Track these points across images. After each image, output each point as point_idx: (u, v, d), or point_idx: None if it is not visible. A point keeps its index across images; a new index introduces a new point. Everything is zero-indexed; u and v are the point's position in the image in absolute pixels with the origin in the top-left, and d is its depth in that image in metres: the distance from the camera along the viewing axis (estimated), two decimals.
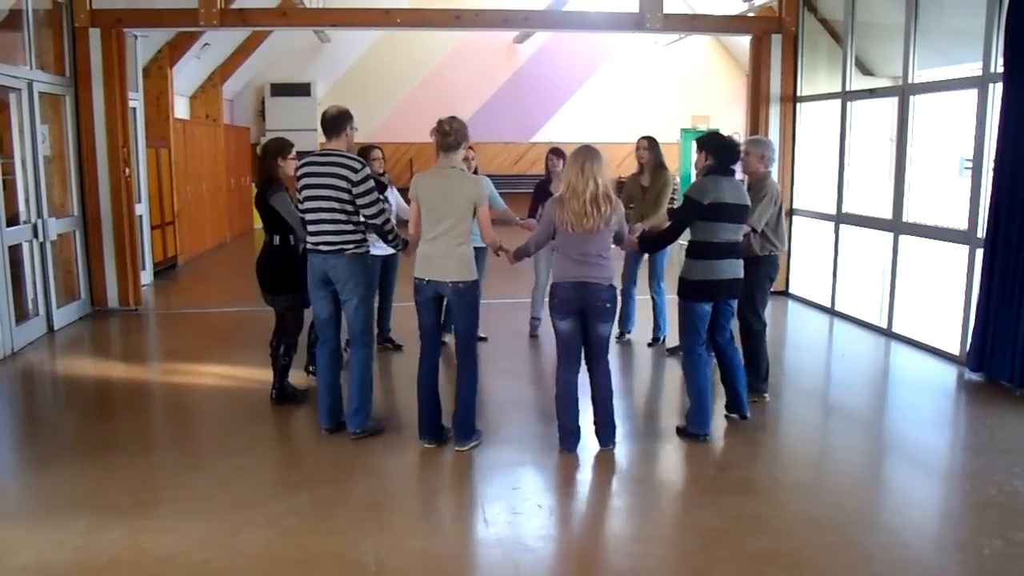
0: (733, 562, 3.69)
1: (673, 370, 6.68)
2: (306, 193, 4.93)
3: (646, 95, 18.29)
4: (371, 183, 4.87)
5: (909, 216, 7.61)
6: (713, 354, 5.28)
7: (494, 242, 4.92)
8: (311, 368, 6.17)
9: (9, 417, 5.80)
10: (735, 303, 5.17)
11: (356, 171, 4.83)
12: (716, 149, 4.96)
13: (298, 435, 5.32)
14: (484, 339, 7.45)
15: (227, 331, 8.31)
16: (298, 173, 5.00)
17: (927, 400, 6.10)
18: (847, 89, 8.60)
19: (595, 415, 4.90)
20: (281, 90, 17.19)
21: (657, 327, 7.34)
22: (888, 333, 7.82)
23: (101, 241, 8.76)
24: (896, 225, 7.70)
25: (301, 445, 5.16)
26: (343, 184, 4.82)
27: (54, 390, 6.49)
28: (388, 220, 4.94)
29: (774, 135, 9.45)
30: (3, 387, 6.38)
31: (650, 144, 6.99)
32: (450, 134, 4.69)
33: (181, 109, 13.62)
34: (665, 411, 5.72)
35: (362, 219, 4.94)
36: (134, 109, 9.87)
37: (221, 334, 8.16)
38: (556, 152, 7.26)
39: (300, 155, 5.28)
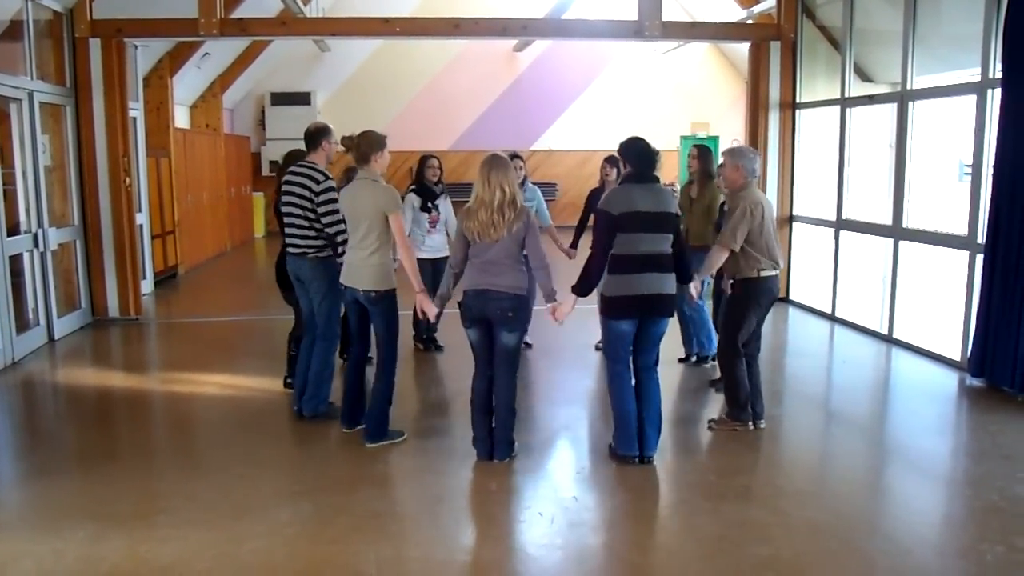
0: (734, 570, 3.68)
1: (692, 384, 6.68)
2: (283, 199, 5.45)
3: (645, 102, 18.34)
4: (332, 195, 5.23)
5: (909, 222, 7.62)
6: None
7: (408, 255, 4.91)
8: (288, 380, 6.19)
9: (9, 427, 5.80)
10: (665, 323, 4.74)
11: (319, 183, 5.28)
12: (632, 156, 4.71)
13: (300, 444, 5.31)
14: (529, 345, 7.47)
15: (228, 340, 8.31)
16: (281, 181, 5.55)
17: (928, 406, 6.09)
18: (846, 95, 8.62)
19: (494, 425, 4.83)
20: (281, 99, 17.24)
21: (695, 343, 6.95)
22: (889, 339, 7.81)
23: (102, 250, 8.77)
24: (896, 231, 7.70)
25: (303, 454, 5.15)
26: (307, 193, 5.29)
27: (55, 400, 6.49)
28: (341, 232, 5.23)
29: (773, 142, 9.47)
30: (3, 397, 6.38)
31: (700, 153, 6.63)
32: (359, 146, 4.95)
33: (181, 118, 13.66)
34: (669, 421, 5.70)
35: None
36: (134, 119, 9.89)
37: (222, 343, 8.16)
38: (610, 161, 7.01)
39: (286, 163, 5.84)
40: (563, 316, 4.65)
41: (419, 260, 6.85)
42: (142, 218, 10.35)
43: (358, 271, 4.95)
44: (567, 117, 18.44)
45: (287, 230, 5.51)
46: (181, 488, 4.55)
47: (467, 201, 4.68)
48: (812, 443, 5.49)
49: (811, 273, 9.48)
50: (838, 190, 8.73)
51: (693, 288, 5.12)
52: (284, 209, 5.49)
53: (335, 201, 5.21)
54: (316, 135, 5.42)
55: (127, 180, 8.80)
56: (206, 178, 13.81)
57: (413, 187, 7.14)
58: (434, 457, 4.97)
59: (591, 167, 18.12)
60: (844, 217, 8.72)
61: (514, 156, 7.14)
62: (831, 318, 8.83)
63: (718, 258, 5.14)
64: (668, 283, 4.66)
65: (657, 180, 4.72)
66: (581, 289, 4.63)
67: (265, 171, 17.34)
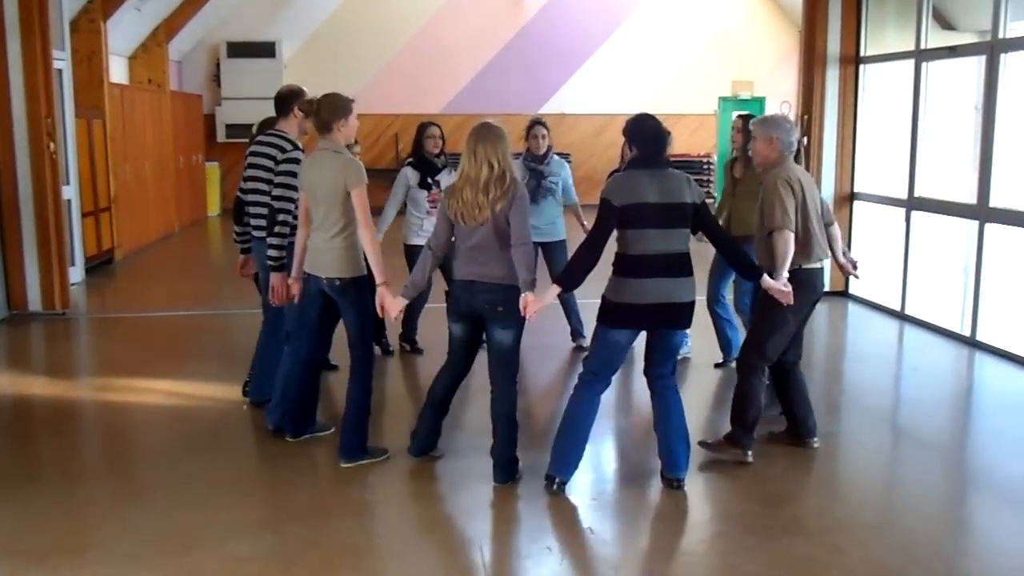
0: None
1: (721, 392, 6.66)
2: (246, 173, 5.64)
3: (678, 57, 18.27)
4: (293, 167, 5.34)
5: (997, 200, 7.59)
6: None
7: (370, 239, 4.94)
8: (247, 388, 6.22)
9: None
10: (681, 335, 4.81)
11: (284, 151, 5.43)
12: (639, 137, 4.69)
13: (262, 463, 5.31)
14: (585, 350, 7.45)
15: (175, 339, 8.30)
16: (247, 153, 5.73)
17: (1020, 423, 6.05)
18: (922, 47, 8.57)
19: (492, 442, 4.89)
20: (240, 50, 17.21)
21: (730, 346, 6.91)
22: (971, 342, 7.78)
23: (20, 231, 8.74)
24: (981, 211, 7.67)
25: (266, 475, 5.15)
26: (271, 164, 5.46)
27: None
28: (286, 212, 5.33)
29: (832, 104, 9.43)
30: None
31: (744, 125, 6.55)
32: (319, 112, 5.01)
33: (118, 72, 13.63)
34: (696, 434, 5.69)
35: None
36: (60, 71, 9.86)
37: (168, 343, 8.15)
38: None
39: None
40: (533, 310, 4.53)
41: (417, 247, 6.89)
42: (70, 192, 10.34)
43: (321, 256, 5.03)
44: (583, 75, 18.40)
45: (252, 209, 5.62)
46: (117, 516, 4.53)
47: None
48: (877, 466, 5.47)
49: (876, 262, 9.45)
50: (910, 162, 8.69)
51: (778, 283, 4.89)
52: (247, 185, 5.60)
53: (294, 175, 5.28)
54: (288, 99, 5.52)
55: (51, 146, 8.78)
56: (149, 144, 13.79)
57: (410, 160, 7.17)
58: (423, 480, 4.96)
59: (611, 134, 18.08)
60: (917, 195, 8.68)
61: (536, 123, 7.30)
62: (900, 316, 8.79)
63: (786, 245, 4.99)
64: (684, 290, 4.63)
65: (668, 164, 4.72)
66: (566, 281, 4.63)
67: (220, 136, 17.33)
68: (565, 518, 4.56)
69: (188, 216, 15.91)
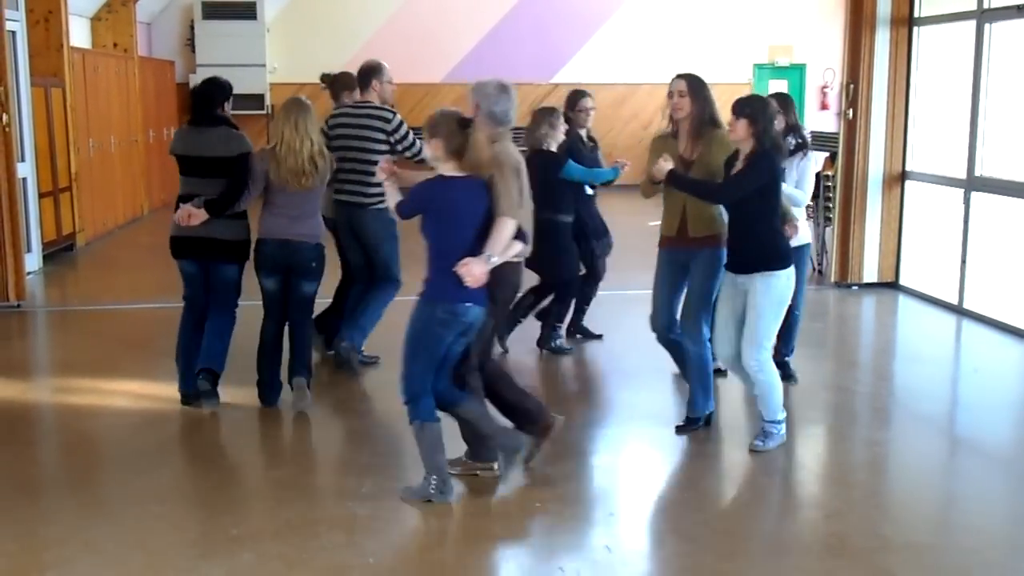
0: None
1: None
2: (353, 143, 6.63)
3: (706, 20, 18.16)
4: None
5: None
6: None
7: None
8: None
9: None
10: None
11: (388, 121, 6.61)
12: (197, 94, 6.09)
13: (239, 475, 5.31)
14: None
15: (144, 335, 8.31)
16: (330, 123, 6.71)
17: None
18: (985, 6, 8.52)
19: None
20: (216, 11, 17.16)
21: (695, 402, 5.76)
22: None
23: None
24: None
25: (244, 487, 5.16)
26: (381, 136, 6.58)
27: None
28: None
29: (881, 71, 9.37)
30: None
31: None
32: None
33: (79, 35, 13.63)
34: (729, 439, 5.69)
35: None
36: (13, 33, 9.86)
37: (135, 339, 8.15)
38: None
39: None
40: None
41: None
42: (25, 169, 10.34)
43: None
44: (600, 40, 18.32)
45: (368, 179, 6.45)
46: (78, 533, 4.54)
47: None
48: (930, 479, 5.46)
49: (930, 250, 9.42)
50: (970, 137, 8.65)
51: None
52: (358, 155, 6.53)
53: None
54: (368, 74, 6.75)
55: (3, 118, 8.79)
56: (115, 117, 13.78)
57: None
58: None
59: (632, 106, 18.10)
60: (978, 174, 8.64)
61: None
62: (958, 310, 8.75)
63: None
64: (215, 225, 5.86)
65: (215, 122, 5.92)
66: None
67: None
68: (580, 535, 4.57)
69: (159, 197, 15.88)
